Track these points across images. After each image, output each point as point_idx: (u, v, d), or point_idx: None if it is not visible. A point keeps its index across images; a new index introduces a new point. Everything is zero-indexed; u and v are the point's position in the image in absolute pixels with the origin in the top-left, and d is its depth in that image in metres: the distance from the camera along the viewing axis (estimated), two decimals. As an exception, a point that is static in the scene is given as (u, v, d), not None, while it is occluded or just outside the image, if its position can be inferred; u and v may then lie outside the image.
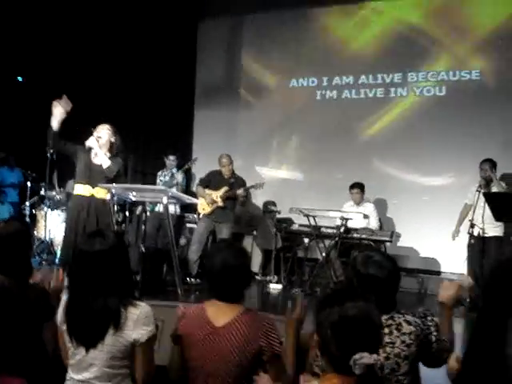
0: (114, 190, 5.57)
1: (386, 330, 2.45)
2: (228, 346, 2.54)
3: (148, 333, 2.57)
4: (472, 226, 7.12)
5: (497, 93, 8.09)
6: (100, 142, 5.84)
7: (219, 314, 2.62)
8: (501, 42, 8.06)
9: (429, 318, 2.55)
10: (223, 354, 2.54)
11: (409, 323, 2.48)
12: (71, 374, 2.60)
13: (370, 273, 2.50)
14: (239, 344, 2.54)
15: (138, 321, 2.54)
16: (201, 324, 2.61)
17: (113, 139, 5.97)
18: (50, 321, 2.76)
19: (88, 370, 2.54)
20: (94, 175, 5.73)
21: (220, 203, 7.65)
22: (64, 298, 2.69)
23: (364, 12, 9.07)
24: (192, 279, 7.45)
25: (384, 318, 2.46)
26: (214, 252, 2.74)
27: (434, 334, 2.53)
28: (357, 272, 2.55)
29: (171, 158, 8.61)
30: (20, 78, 10.33)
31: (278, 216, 8.41)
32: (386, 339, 2.43)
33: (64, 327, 2.60)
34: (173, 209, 7.91)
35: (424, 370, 2.63)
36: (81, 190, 5.71)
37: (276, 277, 8.15)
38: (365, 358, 1.78)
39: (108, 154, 5.84)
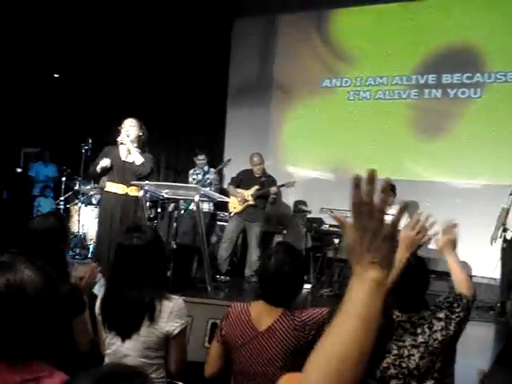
0: (147, 187, 5.63)
1: (419, 330, 2.49)
2: (272, 351, 2.54)
3: (181, 325, 2.65)
4: (505, 230, 7.06)
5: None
6: (130, 138, 5.84)
7: (262, 316, 2.60)
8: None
9: (455, 305, 2.58)
10: (268, 358, 2.54)
11: (439, 319, 2.52)
12: None
13: None
14: (283, 348, 2.53)
15: (171, 313, 2.63)
16: (244, 327, 2.61)
17: (140, 133, 5.96)
18: (80, 316, 2.83)
19: (123, 361, 2.61)
20: (127, 173, 5.76)
21: (251, 202, 7.70)
22: (102, 290, 2.77)
23: (399, 13, 9.00)
24: (222, 277, 7.52)
25: (415, 318, 2.52)
26: (271, 253, 2.69)
27: (462, 314, 2.55)
28: None
29: (200, 157, 8.45)
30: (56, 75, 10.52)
31: (308, 216, 8.41)
32: (420, 339, 2.48)
33: (101, 318, 2.69)
34: (207, 206, 7.97)
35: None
36: (114, 188, 5.76)
37: (305, 277, 8.16)
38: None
39: (138, 150, 5.86)
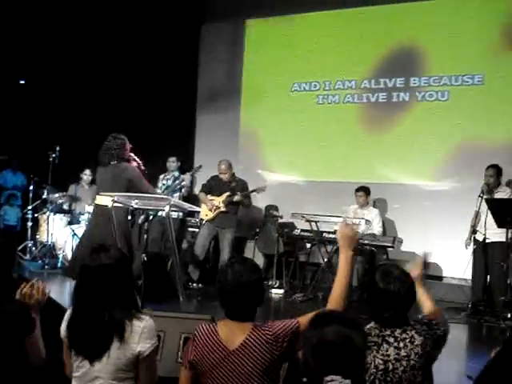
0: (116, 198, 5.56)
1: (401, 344, 2.51)
2: (247, 368, 2.46)
3: (152, 346, 2.60)
4: (474, 231, 7.14)
5: (500, 97, 8.04)
6: None
7: (231, 335, 2.52)
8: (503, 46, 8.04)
9: (434, 322, 2.63)
10: (244, 376, 2.46)
11: (419, 334, 2.54)
12: None
13: (390, 289, 2.54)
14: (257, 365, 2.46)
15: (142, 334, 2.57)
16: (214, 348, 2.51)
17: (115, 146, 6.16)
18: (31, 334, 2.76)
19: (93, 383, 2.56)
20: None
21: (223, 208, 7.66)
22: (68, 312, 2.70)
23: (366, 17, 9.04)
24: (194, 284, 7.48)
25: (398, 332, 2.53)
26: (226, 268, 2.61)
27: (439, 332, 2.62)
28: (376, 287, 2.59)
29: (171, 159, 8.52)
30: (22, 81, 10.35)
31: (279, 221, 8.41)
32: (402, 353, 2.49)
33: (67, 341, 2.63)
34: (176, 213, 7.92)
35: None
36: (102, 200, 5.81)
37: (278, 282, 8.17)
38: (335, 381, 1.79)
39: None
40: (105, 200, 5.69)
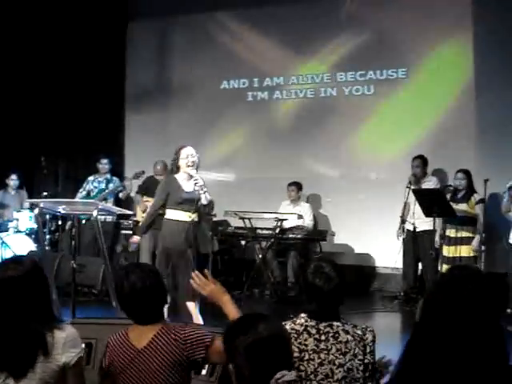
0: (42, 204, 5.42)
1: (323, 337, 2.51)
2: (154, 366, 2.52)
3: (77, 355, 2.52)
4: (403, 221, 7.32)
5: (424, 90, 8.25)
6: None
7: (140, 335, 2.60)
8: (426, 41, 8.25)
9: (369, 330, 2.60)
10: (152, 373, 2.53)
11: (347, 332, 2.53)
12: None
13: (316, 284, 2.56)
14: (165, 361, 2.52)
15: (65, 344, 2.49)
16: (124, 350, 2.58)
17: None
18: None
19: None
20: None
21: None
22: None
23: (291, 14, 9.05)
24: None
25: (322, 325, 2.54)
26: (121, 278, 2.66)
27: (370, 347, 2.57)
28: (305, 280, 2.64)
29: (103, 161, 8.40)
30: None
31: (213, 219, 8.40)
32: (322, 345, 2.49)
33: None
34: (110, 216, 7.80)
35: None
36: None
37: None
38: (286, 375, 1.81)
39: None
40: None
